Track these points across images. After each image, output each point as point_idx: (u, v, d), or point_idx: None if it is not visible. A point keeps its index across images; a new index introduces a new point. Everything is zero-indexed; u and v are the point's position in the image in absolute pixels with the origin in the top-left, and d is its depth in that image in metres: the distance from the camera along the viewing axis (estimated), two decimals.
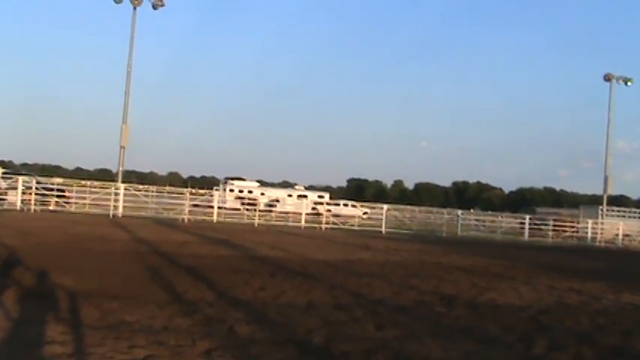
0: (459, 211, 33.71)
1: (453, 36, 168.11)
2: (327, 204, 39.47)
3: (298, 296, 8.16)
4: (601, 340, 6.67)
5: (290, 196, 49.35)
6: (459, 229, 30.35)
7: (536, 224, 31.65)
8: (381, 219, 29.26)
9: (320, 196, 52.01)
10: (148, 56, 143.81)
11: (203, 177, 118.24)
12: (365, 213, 38.71)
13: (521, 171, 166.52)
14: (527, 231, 30.95)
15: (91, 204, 26.45)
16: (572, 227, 32.09)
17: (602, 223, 32.73)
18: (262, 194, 46.55)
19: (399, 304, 8.12)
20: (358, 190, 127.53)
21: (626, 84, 35.42)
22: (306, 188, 63.61)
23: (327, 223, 28.34)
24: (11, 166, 57.04)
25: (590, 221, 32.12)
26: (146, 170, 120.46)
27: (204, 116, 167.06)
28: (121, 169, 28.46)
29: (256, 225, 26.29)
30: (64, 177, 58.46)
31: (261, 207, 32.55)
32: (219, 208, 28.31)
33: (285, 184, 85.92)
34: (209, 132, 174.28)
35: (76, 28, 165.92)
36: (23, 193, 24.22)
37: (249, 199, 39.09)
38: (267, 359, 5.09)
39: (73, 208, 25.20)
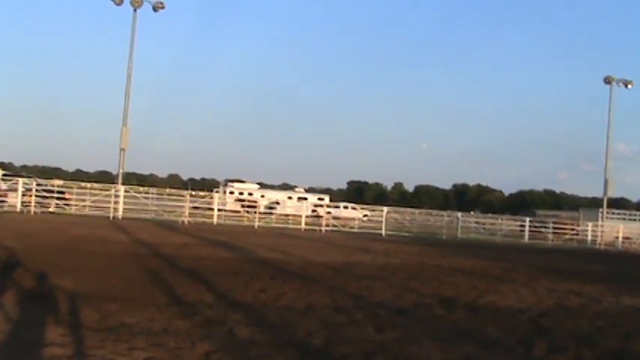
0: (459, 214, 33.67)
1: (453, 38, 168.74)
2: (327, 206, 39.56)
3: (298, 299, 8.15)
4: (601, 342, 6.67)
5: (290, 198, 49.44)
6: (459, 232, 30.34)
7: (536, 227, 31.64)
8: (381, 221, 29.24)
9: (320, 199, 52.09)
10: (148, 58, 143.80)
11: (203, 179, 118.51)
12: (365, 215, 38.68)
13: (521, 173, 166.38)
14: (527, 233, 30.95)
15: (91, 206, 26.44)
16: (572, 230, 32.10)
17: (602, 226, 32.73)
18: (262, 196, 46.57)
19: (398, 307, 8.11)
20: (358, 193, 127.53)
21: (626, 87, 35.42)
22: (306, 190, 63.65)
23: (327, 225, 28.31)
24: (11, 167, 57.04)
25: (590, 224, 32.16)
26: (146, 172, 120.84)
27: (204, 118, 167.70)
28: (121, 171, 28.43)
29: (256, 227, 26.29)
30: (64, 179, 58.57)
31: (261, 209, 32.58)
32: (219, 210, 28.32)
33: (285, 187, 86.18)
34: (209, 134, 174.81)
35: (76, 30, 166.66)
36: (23, 195, 24.22)
37: (250, 201, 39.10)
38: None
39: (72, 210, 25.20)
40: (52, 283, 7.87)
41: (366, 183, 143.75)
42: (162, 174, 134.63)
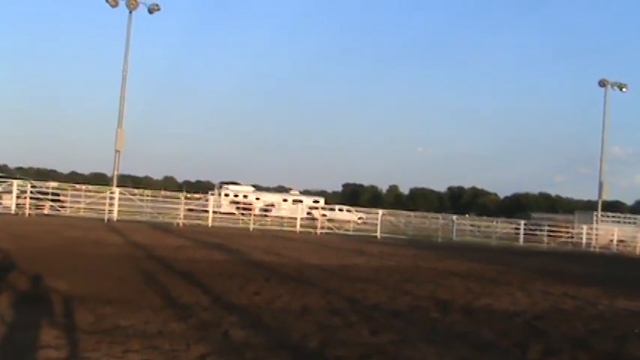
0: (454, 217, 33.70)
1: (450, 41, 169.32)
2: (322, 209, 39.57)
3: (293, 301, 8.15)
4: (596, 345, 6.70)
5: (285, 200, 49.50)
6: (454, 235, 30.41)
7: (531, 229, 31.73)
8: (376, 224, 29.25)
9: (315, 201, 52.12)
10: (143, 60, 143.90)
11: (198, 181, 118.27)
12: (360, 218, 38.69)
13: (516, 176, 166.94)
14: (522, 236, 31.06)
15: (85, 208, 26.32)
16: (567, 233, 32.20)
17: (597, 229, 32.83)
18: (257, 199, 46.58)
19: (393, 309, 8.12)
20: (353, 195, 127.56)
21: (620, 90, 35.62)
22: (302, 193, 63.59)
23: (322, 227, 28.31)
24: (6, 169, 56.93)
25: (585, 227, 32.25)
26: (141, 174, 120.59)
27: (199, 120, 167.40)
28: (116, 173, 28.35)
29: (251, 229, 26.26)
30: (59, 181, 58.27)
31: (256, 211, 32.54)
32: (214, 212, 28.26)
33: (281, 189, 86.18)
34: (204, 136, 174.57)
35: (71, 32, 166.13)
36: (18, 197, 24.13)
37: (244, 203, 39.03)
38: None
39: (67, 212, 25.10)
40: (47, 286, 7.84)
41: (361, 185, 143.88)
42: (158, 176, 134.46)
